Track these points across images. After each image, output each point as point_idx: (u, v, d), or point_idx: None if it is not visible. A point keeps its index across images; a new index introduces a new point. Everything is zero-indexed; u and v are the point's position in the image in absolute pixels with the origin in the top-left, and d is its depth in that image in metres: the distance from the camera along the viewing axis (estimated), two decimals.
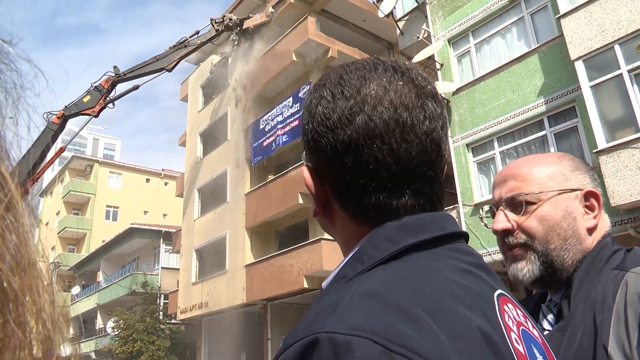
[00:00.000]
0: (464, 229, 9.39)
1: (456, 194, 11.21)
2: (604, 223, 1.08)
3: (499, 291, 0.58)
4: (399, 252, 0.55)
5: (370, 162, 0.57)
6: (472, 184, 11.07)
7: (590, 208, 1.07)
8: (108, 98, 15.94)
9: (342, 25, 18.12)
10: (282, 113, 16.97)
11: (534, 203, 1.04)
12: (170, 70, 16.56)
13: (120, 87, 16.52)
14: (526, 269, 1.05)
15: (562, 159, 1.11)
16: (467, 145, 11.34)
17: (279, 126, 16.90)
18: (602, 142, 8.63)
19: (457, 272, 0.55)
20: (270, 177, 16.99)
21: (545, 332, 1.04)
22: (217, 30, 17.13)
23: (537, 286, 1.07)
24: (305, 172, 0.64)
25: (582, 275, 1.00)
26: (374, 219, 0.59)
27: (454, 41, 12.32)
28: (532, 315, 1.09)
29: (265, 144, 17.47)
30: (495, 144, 10.93)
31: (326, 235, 14.28)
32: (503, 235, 1.08)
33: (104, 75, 15.94)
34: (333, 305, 0.49)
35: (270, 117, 17.47)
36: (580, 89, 9.12)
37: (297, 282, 14.41)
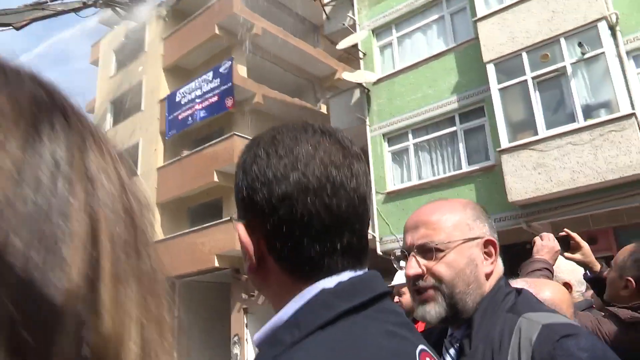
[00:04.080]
0: (375, 215, 9.72)
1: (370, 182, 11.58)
2: (499, 267, 1.22)
3: (420, 347, 0.65)
4: (333, 318, 0.60)
5: (304, 214, 0.62)
6: (385, 173, 11.48)
7: (489, 254, 1.19)
8: None
9: (268, 3, 17.81)
10: (200, 87, 16.45)
11: (442, 250, 1.15)
12: (17, 29, 15.14)
13: None
14: (433, 310, 1.15)
15: (466, 208, 1.23)
16: (384, 135, 11.72)
17: (197, 100, 16.38)
18: (505, 142, 9.30)
19: (385, 336, 0.61)
20: (186, 153, 16.50)
21: None
22: (83, 2, 15.91)
23: (442, 324, 1.20)
24: (240, 229, 0.66)
25: (481, 316, 1.12)
26: (308, 274, 0.63)
27: (377, 32, 12.59)
28: (435, 348, 1.24)
29: (181, 117, 16.86)
30: (410, 135, 11.40)
31: None
32: (414, 279, 1.18)
33: None
34: None
35: (187, 90, 16.86)
36: (490, 90, 9.74)
37: (209, 261, 14.23)
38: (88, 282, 0.27)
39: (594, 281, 2.19)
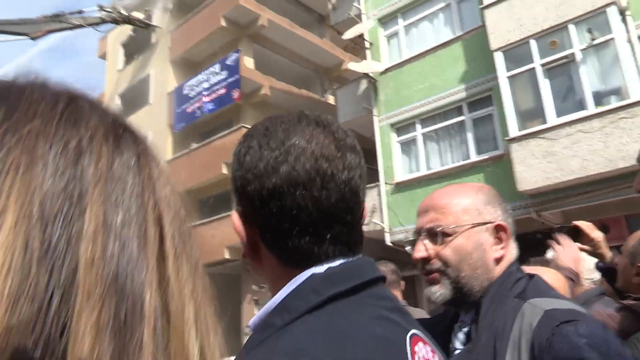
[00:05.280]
0: (384, 206, 9.73)
1: (378, 172, 11.56)
2: (511, 252, 1.20)
3: (411, 332, 0.65)
4: (322, 302, 0.61)
5: (293, 208, 0.63)
6: (393, 163, 11.43)
7: (499, 239, 1.18)
8: None
9: None
10: (208, 79, 16.46)
11: (450, 234, 1.16)
12: (34, 39, 15.16)
13: None
14: (439, 292, 1.17)
15: (479, 192, 1.22)
16: (392, 125, 11.66)
17: (205, 93, 16.40)
18: (513, 131, 9.20)
19: (375, 321, 0.62)
20: (194, 145, 16.55)
21: (457, 351, 1.16)
22: (101, 19, 15.80)
23: (449, 306, 1.21)
24: (234, 216, 0.69)
25: (489, 301, 1.12)
26: (299, 262, 0.65)
27: (384, 21, 12.47)
28: (447, 332, 1.22)
29: (189, 110, 16.91)
30: (418, 125, 11.32)
31: None
32: (422, 263, 1.19)
33: None
34: None
35: (195, 83, 16.89)
36: (498, 78, 9.62)
37: (218, 253, 14.33)
38: (160, 271, 0.32)
39: (606, 270, 2.13)
